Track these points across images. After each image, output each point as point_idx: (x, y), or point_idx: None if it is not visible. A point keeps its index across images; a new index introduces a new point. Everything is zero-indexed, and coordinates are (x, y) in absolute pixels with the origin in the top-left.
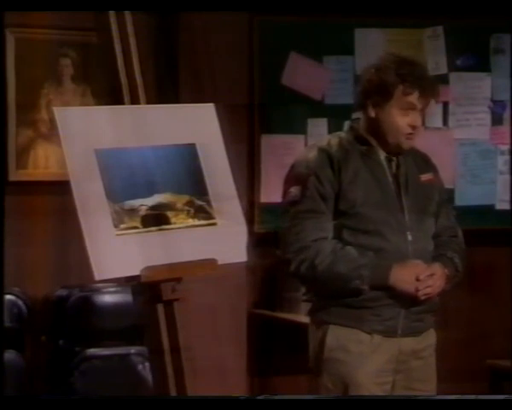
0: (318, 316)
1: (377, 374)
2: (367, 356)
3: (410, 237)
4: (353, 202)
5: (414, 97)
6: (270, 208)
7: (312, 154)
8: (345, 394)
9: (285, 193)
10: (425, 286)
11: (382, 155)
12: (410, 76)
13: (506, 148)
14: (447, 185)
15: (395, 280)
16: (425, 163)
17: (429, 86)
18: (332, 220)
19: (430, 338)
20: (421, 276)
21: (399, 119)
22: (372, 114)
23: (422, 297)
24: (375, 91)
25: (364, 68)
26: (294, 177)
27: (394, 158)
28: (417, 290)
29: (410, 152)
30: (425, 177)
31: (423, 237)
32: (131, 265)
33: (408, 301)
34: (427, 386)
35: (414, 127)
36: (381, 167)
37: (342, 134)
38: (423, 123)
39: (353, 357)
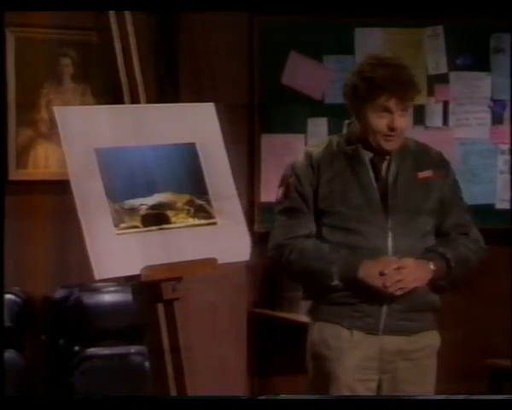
0: (311, 313)
1: (357, 370)
2: (345, 351)
3: (390, 236)
4: (332, 201)
5: (384, 100)
6: (270, 208)
7: (299, 157)
8: (327, 389)
9: (277, 195)
10: (393, 280)
11: (368, 155)
12: (379, 79)
13: (506, 147)
14: None
15: (363, 275)
16: (427, 160)
17: (401, 88)
18: (313, 219)
19: (428, 340)
20: (385, 270)
21: (376, 121)
22: (352, 116)
23: (397, 292)
24: (351, 95)
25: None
26: (282, 179)
27: (387, 157)
28: (385, 286)
29: (411, 151)
30: (423, 174)
31: (410, 235)
32: (131, 264)
33: (388, 297)
34: (416, 389)
35: (392, 129)
36: (365, 168)
37: (335, 137)
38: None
39: (333, 352)
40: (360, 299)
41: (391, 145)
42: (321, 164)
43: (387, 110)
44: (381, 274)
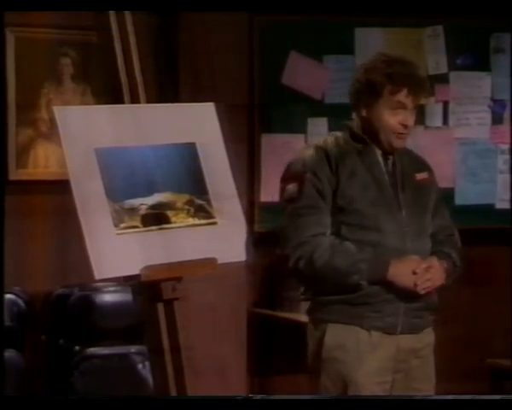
0: (317, 315)
1: (376, 373)
2: (366, 355)
3: (408, 233)
4: (351, 199)
5: (403, 96)
6: (270, 208)
7: (309, 152)
8: (344, 393)
9: (282, 191)
10: (423, 280)
11: (378, 153)
12: (398, 75)
13: (506, 147)
14: (447, 185)
15: (394, 275)
16: (420, 163)
17: (418, 85)
18: (330, 216)
19: (429, 337)
20: (417, 269)
21: (390, 118)
22: (363, 113)
23: (422, 291)
24: (365, 91)
25: (355, 69)
26: (292, 175)
27: (390, 156)
28: (416, 285)
29: (406, 152)
30: (420, 176)
31: (421, 233)
32: (131, 264)
33: (408, 296)
34: (426, 385)
35: (405, 126)
36: (378, 165)
37: (338, 133)
38: (417, 122)
39: (352, 356)
40: (379, 299)
41: (400, 143)
42: (338, 160)
43: (403, 107)
44: (414, 273)
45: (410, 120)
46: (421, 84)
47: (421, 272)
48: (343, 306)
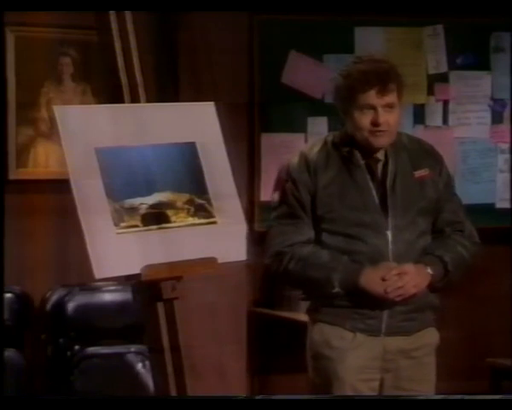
0: (310, 314)
1: (360, 370)
2: (348, 352)
3: (390, 238)
4: (330, 206)
5: (370, 97)
6: (270, 207)
7: (294, 159)
8: (330, 390)
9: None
10: (395, 287)
11: (362, 156)
12: (355, 74)
13: (506, 146)
14: None
15: (365, 282)
16: (422, 158)
17: (378, 81)
18: (311, 224)
19: (427, 338)
20: (386, 276)
21: (360, 119)
22: (342, 117)
23: (396, 298)
24: (339, 96)
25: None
26: (276, 182)
27: (382, 157)
28: (386, 292)
29: (409, 148)
30: (419, 173)
31: (409, 236)
32: (131, 263)
33: (389, 302)
34: (418, 386)
35: (377, 124)
36: (360, 171)
37: (330, 136)
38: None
39: (336, 352)
40: (361, 302)
41: (380, 141)
42: (317, 168)
43: (370, 106)
44: (383, 280)
45: (383, 118)
46: (382, 79)
47: (390, 278)
48: (328, 307)
